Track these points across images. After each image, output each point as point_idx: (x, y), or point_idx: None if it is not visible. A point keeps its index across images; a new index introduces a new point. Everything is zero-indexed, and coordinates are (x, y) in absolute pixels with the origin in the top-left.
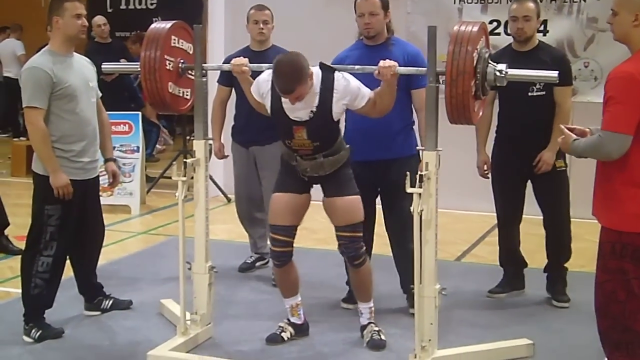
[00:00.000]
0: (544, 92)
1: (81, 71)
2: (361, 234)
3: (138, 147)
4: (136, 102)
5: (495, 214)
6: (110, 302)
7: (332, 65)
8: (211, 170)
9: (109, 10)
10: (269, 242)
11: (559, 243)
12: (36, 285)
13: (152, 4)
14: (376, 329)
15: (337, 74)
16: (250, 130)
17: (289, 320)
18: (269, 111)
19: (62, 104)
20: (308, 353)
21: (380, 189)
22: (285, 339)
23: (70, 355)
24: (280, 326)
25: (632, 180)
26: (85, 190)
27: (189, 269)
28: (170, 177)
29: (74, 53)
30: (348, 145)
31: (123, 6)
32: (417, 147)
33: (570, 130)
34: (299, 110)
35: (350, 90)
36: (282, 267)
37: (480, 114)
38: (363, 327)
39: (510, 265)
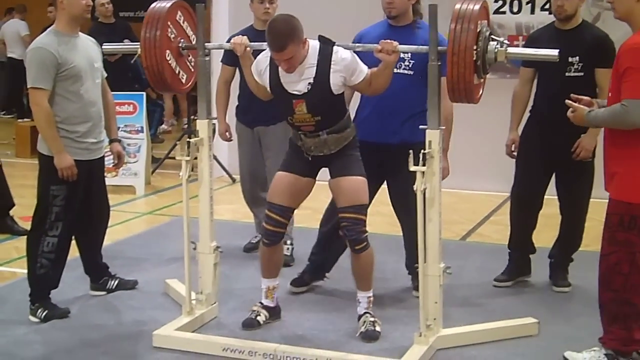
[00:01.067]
0: (582, 73)
1: (86, 52)
2: (365, 217)
3: (142, 128)
4: (140, 82)
5: (500, 194)
6: (116, 282)
7: (330, 39)
8: (216, 151)
9: None
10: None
11: (572, 234)
12: (42, 265)
13: None
14: (371, 319)
15: (335, 47)
16: (255, 110)
17: (261, 303)
18: (268, 88)
19: (67, 85)
20: (312, 331)
21: (389, 174)
22: (261, 322)
23: (76, 335)
24: (253, 310)
25: (637, 150)
26: (90, 170)
27: (194, 249)
28: (175, 158)
29: (80, 33)
30: (353, 125)
31: None
32: (421, 126)
33: (578, 100)
34: (296, 83)
35: (348, 64)
36: (270, 247)
37: (481, 92)
38: (359, 317)
39: (518, 250)
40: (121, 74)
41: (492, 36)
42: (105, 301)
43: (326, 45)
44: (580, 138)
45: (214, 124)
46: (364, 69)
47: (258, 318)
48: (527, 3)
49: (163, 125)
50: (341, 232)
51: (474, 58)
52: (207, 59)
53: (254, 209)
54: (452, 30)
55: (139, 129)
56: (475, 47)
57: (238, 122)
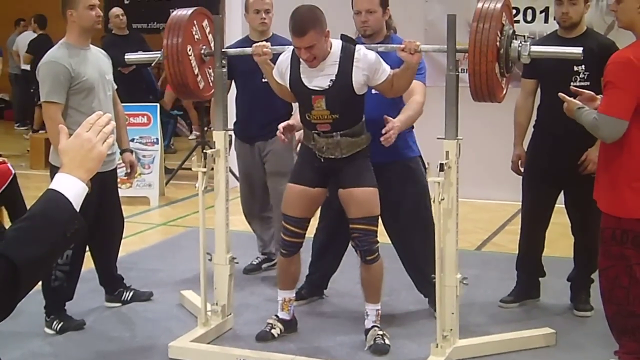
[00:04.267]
0: (588, 83)
1: (97, 64)
2: (376, 229)
3: (157, 139)
4: (154, 93)
5: (515, 203)
6: (131, 293)
7: (353, 38)
8: (229, 162)
9: (126, 2)
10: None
11: (589, 254)
12: (57, 277)
13: None
14: (380, 332)
15: (358, 46)
16: (253, 126)
17: (277, 316)
18: (288, 85)
19: (80, 98)
20: (328, 344)
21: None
22: (276, 335)
23: (91, 347)
24: (269, 323)
25: (631, 168)
26: (103, 182)
27: (210, 260)
28: (188, 169)
29: (90, 45)
30: (368, 133)
31: None
32: (438, 137)
33: (579, 94)
34: (318, 79)
35: (371, 62)
36: (288, 258)
37: (505, 91)
38: (367, 331)
39: (526, 271)
40: (135, 86)
41: (516, 34)
42: (120, 313)
43: (348, 44)
44: (588, 151)
45: (230, 135)
46: (386, 69)
47: (272, 331)
48: (541, 12)
49: (191, 135)
50: (352, 243)
51: (497, 55)
52: (224, 69)
53: (257, 228)
54: (474, 28)
55: (154, 140)
56: (497, 45)
57: (237, 138)
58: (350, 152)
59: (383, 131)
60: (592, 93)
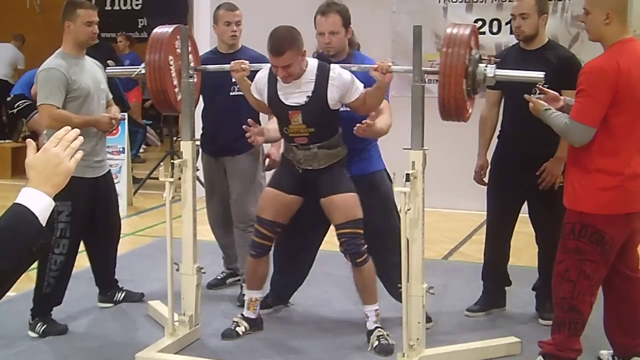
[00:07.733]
0: None
1: (93, 73)
2: (362, 231)
3: (123, 149)
4: (122, 103)
5: (482, 213)
6: (123, 294)
7: (329, 57)
8: (198, 171)
9: None
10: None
11: (552, 265)
12: (49, 284)
13: (137, 5)
14: (385, 333)
15: (333, 65)
16: (221, 141)
17: (242, 315)
18: (266, 101)
19: (76, 105)
20: (298, 351)
21: None
22: (240, 333)
23: (58, 358)
24: (234, 321)
25: (591, 163)
26: (95, 187)
27: (177, 270)
28: (156, 178)
29: (85, 56)
30: (344, 145)
31: (108, 7)
32: (404, 148)
33: (544, 92)
34: (294, 96)
35: (346, 81)
36: (256, 259)
37: (470, 111)
38: (370, 332)
39: (491, 281)
40: None
41: (482, 58)
42: (87, 323)
43: (324, 64)
44: (546, 163)
45: (197, 145)
46: (359, 87)
47: (237, 329)
48: (507, 24)
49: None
50: (340, 248)
51: (464, 79)
52: (191, 80)
53: (217, 238)
54: (444, 53)
55: (120, 149)
56: (465, 69)
57: (203, 152)
58: (328, 164)
59: (362, 122)
60: (556, 93)
